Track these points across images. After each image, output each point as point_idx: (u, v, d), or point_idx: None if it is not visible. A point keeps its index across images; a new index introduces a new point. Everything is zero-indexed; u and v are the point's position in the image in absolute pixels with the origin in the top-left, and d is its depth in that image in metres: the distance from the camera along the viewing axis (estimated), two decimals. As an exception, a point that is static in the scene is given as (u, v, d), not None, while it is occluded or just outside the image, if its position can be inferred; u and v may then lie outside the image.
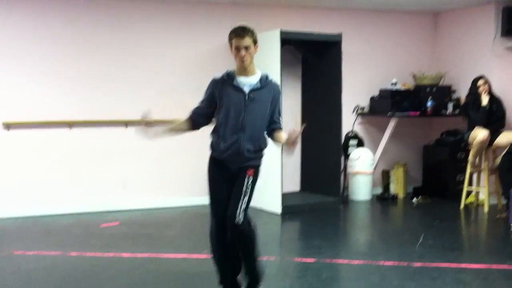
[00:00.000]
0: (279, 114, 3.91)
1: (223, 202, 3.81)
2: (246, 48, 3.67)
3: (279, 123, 3.90)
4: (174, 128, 3.99)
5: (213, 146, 3.87)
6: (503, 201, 6.74)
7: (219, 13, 7.35)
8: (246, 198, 3.77)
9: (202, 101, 3.87)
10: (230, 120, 3.73)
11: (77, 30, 6.85)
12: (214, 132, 3.85)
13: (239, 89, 3.72)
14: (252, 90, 3.73)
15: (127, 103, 7.04)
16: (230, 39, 3.71)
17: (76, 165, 6.90)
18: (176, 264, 4.88)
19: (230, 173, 3.82)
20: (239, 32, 3.67)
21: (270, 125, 3.86)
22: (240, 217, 3.72)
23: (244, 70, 3.74)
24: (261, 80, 3.77)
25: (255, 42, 3.71)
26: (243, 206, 3.75)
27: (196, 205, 7.13)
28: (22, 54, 6.67)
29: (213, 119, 3.87)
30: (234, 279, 3.98)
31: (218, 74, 3.84)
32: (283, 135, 3.85)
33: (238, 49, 3.67)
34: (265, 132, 3.87)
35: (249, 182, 3.79)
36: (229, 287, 3.96)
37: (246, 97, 3.72)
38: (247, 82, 3.74)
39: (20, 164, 6.71)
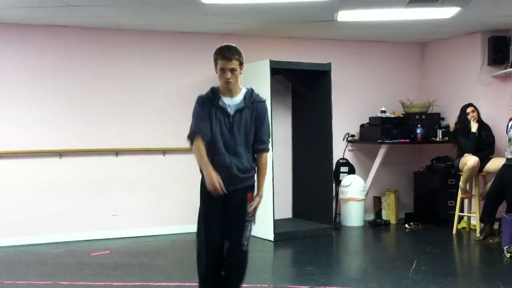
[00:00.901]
0: (267, 133, 3.80)
1: (217, 235, 3.74)
2: (232, 70, 3.65)
3: (264, 143, 3.79)
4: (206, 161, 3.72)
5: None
6: (481, 225, 6.81)
7: (208, 43, 7.39)
8: (250, 226, 3.77)
9: (201, 118, 3.70)
10: (218, 141, 3.68)
11: (66, 61, 6.88)
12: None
13: (224, 110, 3.70)
14: (236, 111, 3.70)
15: (117, 132, 7.06)
16: (216, 58, 3.68)
17: (66, 194, 6.86)
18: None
19: (223, 198, 3.73)
20: (226, 54, 3.65)
21: (254, 145, 3.77)
22: (245, 244, 3.74)
23: (228, 90, 3.72)
24: (245, 98, 3.74)
25: (241, 64, 3.70)
26: (248, 234, 3.75)
27: (187, 233, 7.09)
28: (12, 85, 6.68)
29: None
30: None
31: (202, 92, 3.79)
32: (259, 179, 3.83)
33: (223, 70, 3.64)
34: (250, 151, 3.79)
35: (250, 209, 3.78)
36: None
37: (231, 118, 3.69)
38: (232, 103, 3.71)
39: (10, 194, 6.67)
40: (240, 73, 3.72)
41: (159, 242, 6.84)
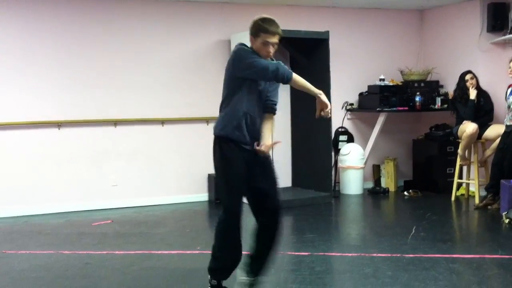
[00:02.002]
0: (277, 97, 3.87)
1: (242, 194, 3.74)
2: (274, 45, 3.63)
3: (276, 105, 3.85)
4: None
5: (227, 124, 3.65)
6: (482, 193, 6.83)
7: (206, 12, 7.37)
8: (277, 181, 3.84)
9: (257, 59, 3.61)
10: (250, 95, 3.65)
11: (64, 30, 6.83)
12: (230, 110, 3.66)
13: None
14: None
15: (116, 103, 7.05)
16: (259, 30, 3.60)
17: (66, 165, 6.87)
18: (170, 261, 4.87)
19: (246, 157, 3.69)
20: (273, 29, 3.59)
21: (266, 104, 3.79)
22: (279, 200, 3.82)
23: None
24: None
25: (280, 40, 3.69)
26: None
27: (186, 203, 7.16)
28: (10, 55, 6.64)
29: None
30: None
31: (246, 46, 3.71)
32: (266, 131, 3.78)
33: (266, 44, 3.60)
34: None
35: (273, 165, 3.86)
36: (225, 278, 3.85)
37: (261, 84, 3.71)
38: None
39: (10, 165, 6.68)
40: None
41: (159, 212, 6.87)
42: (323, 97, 3.69)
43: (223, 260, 3.81)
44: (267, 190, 3.78)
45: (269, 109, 3.82)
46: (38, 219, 6.55)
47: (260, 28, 3.61)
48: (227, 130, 3.65)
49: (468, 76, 7.04)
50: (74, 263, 4.83)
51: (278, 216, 3.81)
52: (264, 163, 3.79)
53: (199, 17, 7.35)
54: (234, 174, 3.67)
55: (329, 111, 3.69)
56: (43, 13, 6.74)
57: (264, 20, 3.65)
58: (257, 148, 3.70)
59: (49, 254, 5.09)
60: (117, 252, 5.13)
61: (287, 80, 3.63)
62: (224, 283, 3.87)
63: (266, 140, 3.75)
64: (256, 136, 3.74)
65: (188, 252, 5.03)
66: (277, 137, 7.16)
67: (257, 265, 3.84)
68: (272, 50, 3.64)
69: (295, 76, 3.66)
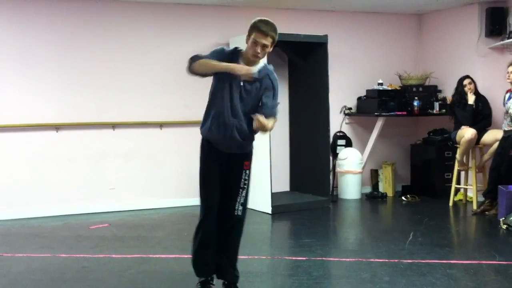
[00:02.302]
0: (272, 106, 3.76)
1: (215, 188, 3.80)
2: (264, 46, 3.61)
3: (271, 113, 3.74)
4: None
5: (204, 126, 3.78)
6: (480, 199, 6.85)
7: (205, 15, 7.37)
8: (244, 193, 3.84)
9: (213, 57, 3.66)
10: (224, 101, 3.67)
11: (62, 32, 6.82)
12: (207, 111, 3.78)
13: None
14: (250, 83, 3.68)
15: (114, 105, 7.04)
16: (252, 30, 3.62)
17: (64, 167, 6.86)
18: (167, 264, 4.86)
19: (221, 158, 3.79)
20: (263, 29, 3.59)
21: (261, 112, 3.71)
22: (239, 209, 3.82)
23: (250, 61, 3.68)
24: (260, 71, 3.68)
25: (274, 42, 3.66)
26: (242, 200, 3.83)
27: (184, 206, 7.13)
28: (8, 57, 6.63)
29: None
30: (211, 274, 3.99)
31: (227, 47, 3.79)
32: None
33: (256, 43, 3.60)
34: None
35: (247, 176, 3.85)
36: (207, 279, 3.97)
37: (242, 83, 3.67)
38: None
39: (8, 167, 6.67)
40: (269, 51, 3.71)
41: (157, 215, 6.86)
42: (237, 70, 3.57)
43: (195, 255, 3.92)
44: (224, 192, 3.83)
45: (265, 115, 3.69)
46: (36, 221, 6.53)
47: (254, 26, 3.63)
48: (202, 131, 3.79)
49: (466, 81, 7.06)
50: (71, 266, 4.82)
51: (231, 221, 3.85)
52: (237, 170, 3.82)
53: (198, 20, 7.36)
54: (207, 168, 3.80)
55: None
56: (41, 15, 6.73)
57: (261, 20, 3.65)
58: (254, 117, 3.60)
59: (46, 257, 5.08)
60: (114, 255, 5.11)
61: (187, 69, 3.67)
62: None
63: (264, 120, 3.59)
64: (233, 136, 3.70)
65: (186, 256, 5.00)
66: (275, 142, 7.25)
67: (227, 270, 3.95)
68: (260, 51, 3.60)
69: (197, 62, 3.60)
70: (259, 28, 3.59)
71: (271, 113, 3.74)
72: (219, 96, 3.69)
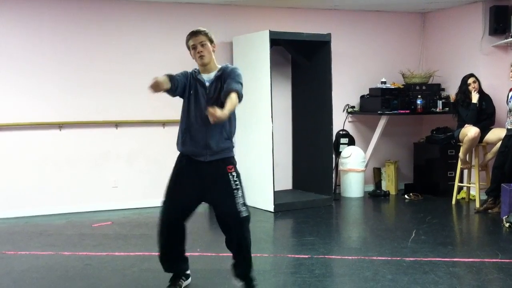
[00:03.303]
0: (233, 82, 3.73)
1: (175, 206, 3.95)
2: (202, 44, 3.82)
3: (228, 86, 3.71)
4: (163, 80, 3.69)
5: (179, 141, 3.90)
6: (483, 197, 6.84)
7: (208, 14, 7.37)
8: (240, 192, 3.83)
9: (178, 75, 3.87)
10: (195, 113, 3.79)
11: (66, 31, 6.84)
12: (180, 127, 3.90)
13: (201, 82, 3.84)
14: (212, 83, 3.83)
15: (117, 104, 7.06)
16: (187, 42, 3.90)
17: (67, 166, 6.88)
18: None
19: (201, 171, 3.83)
20: (193, 32, 3.89)
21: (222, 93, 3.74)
22: (243, 210, 3.81)
23: (205, 67, 3.87)
24: (218, 71, 3.87)
25: (211, 41, 3.89)
26: (241, 200, 3.82)
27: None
28: (11, 56, 6.65)
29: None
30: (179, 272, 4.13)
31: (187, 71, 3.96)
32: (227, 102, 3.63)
33: (194, 47, 3.83)
34: (229, 123, 3.84)
35: (235, 178, 3.84)
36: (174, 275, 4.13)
37: (207, 90, 3.81)
38: (208, 78, 3.86)
39: (11, 165, 6.69)
40: (213, 51, 3.89)
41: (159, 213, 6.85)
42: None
43: (159, 254, 4.10)
44: (219, 202, 3.88)
45: (225, 94, 3.70)
46: (39, 220, 6.56)
47: (186, 39, 3.95)
48: (178, 147, 3.92)
49: (470, 80, 7.04)
50: (74, 264, 4.84)
51: (240, 224, 3.84)
52: (222, 176, 3.83)
53: (201, 19, 7.35)
54: (170, 183, 3.98)
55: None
56: (45, 15, 6.75)
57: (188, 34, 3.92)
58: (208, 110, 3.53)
59: (49, 255, 5.10)
60: (117, 253, 5.13)
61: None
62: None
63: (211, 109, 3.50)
64: (207, 144, 3.79)
65: (188, 254, 4.99)
66: (278, 140, 7.26)
67: (237, 270, 3.97)
68: (200, 49, 3.82)
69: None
70: (188, 35, 3.91)
71: (226, 90, 3.71)
72: (186, 109, 3.85)
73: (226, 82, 3.77)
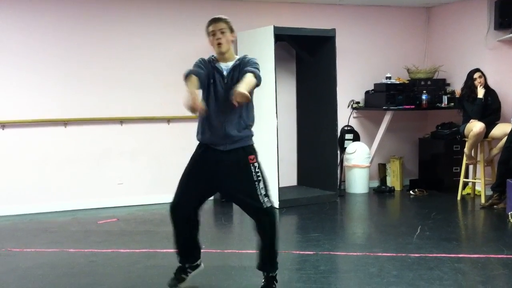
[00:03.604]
0: (252, 68, 3.69)
1: (189, 192, 3.89)
2: (222, 32, 3.77)
3: (246, 70, 3.67)
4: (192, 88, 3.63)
5: (199, 132, 3.89)
6: (488, 192, 6.81)
7: (210, 10, 7.33)
8: (262, 184, 3.78)
9: (197, 66, 3.79)
10: (210, 101, 3.76)
11: (70, 28, 6.85)
12: (199, 118, 3.87)
13: (219, 70, 3.79)
14: (229, 71, 3.79)
15: (122, 101, 7.06)
16: (207, 27, 3.82)
17: (72, 163, 6.90)
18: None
19: (219, 159, 3.79)
20: (214, 18, 3.82)
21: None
22: (265, 201, 3.77)
23: (222, 56, 3.82)
24: (236, 60, 3.82)
25: (231, 29, 3.82)
26: (263, 192, 3.77)
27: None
28: (15, 53, 6.66)
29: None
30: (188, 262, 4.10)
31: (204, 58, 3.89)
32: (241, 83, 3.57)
33: (214, 34, 3.77)
34: (247, 110, 3.81)
35: (257, 169, 3.80)
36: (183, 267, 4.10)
37: (225, 80, 3.77)
38: (226, 67, 3.81)
39: (16, 163, 6.71)
40: (232, 40, 3.84)
41: (164, 210, 6.75)
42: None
43: (175, 243, 4.08)
44: (239, 191, 3.83)
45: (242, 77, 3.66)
46: (44, 217, 6.58)
47: (207, 25, 3.83)
48: (198, 136, 3.91)
49: (476, 75, 7.00)
50: (79, 261, 4.85)
51: (262, 216, 3.80)
52: (243, 166, 3.78)
53: (204, 15, 7.28)
54: (186, 170, 3.93)
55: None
56: (49, 11, 6.76)
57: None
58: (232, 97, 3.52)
59: (54, 252, 5.12)
60: (122, 250, 5.15)
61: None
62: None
63: (238, 87, 3.48)
64: (227, 132, 3.76)
65: (193, 250, 5.02)
66: (283, 136, 7.25)
67: (260, 260, 3.93)
68: (219, 36, 3.76)
69: (188, 81, 3.68)
70: (209, 21, 3.82)
71: (249, 70, 3.67)
72: (206, 98, 3.80)
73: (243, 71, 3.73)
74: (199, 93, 3.71)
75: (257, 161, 3.83)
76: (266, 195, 3.79)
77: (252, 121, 3.87)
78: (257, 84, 3.67)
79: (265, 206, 3.77)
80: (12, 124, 6.65)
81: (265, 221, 3.81)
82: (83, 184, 6.95)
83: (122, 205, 7.06)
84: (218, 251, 5.04)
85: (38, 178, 6.78)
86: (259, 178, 3.78)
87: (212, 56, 3.89)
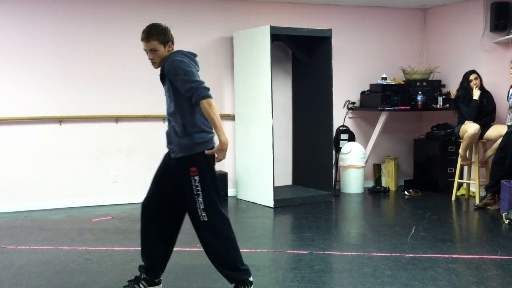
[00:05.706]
0: (185, 84, 3.50)
1: (153, 191, 3.87)
2: (154, 50, 3.59)
3: (189, 93, 3.49)
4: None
5: None
6: (483, 193, 6.85)
7: (208, 9, 7.36)
8: (201, 198, 3.62)
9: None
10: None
11: (65, 26, 6.82)
12: None
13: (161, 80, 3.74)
14: (163, 80, 3.71)
15: (117, 99, 7.05)
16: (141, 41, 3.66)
17: (67, 160, 6.88)
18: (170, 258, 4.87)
19: (172, 166, 3.75)
20: (143, 36, 3.61)
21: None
22: (204, 215, 3.64)
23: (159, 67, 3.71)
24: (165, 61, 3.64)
25: (164, 42, 3.60)
26: (202, 206, 3.62)
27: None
28: (11, 50, 6.64)
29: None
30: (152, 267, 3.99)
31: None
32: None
33: (146, 52, 3.65)
34: (188, 117, 3.61)
35: (197, 183, 3.61)
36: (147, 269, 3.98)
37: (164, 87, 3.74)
38: None
39: (11, 160, 6.69)
40: (169, 51, 3.64)
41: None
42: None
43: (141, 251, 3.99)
44: (183, 199, 3.74)
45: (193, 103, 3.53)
46: (39, 214, 6.56)
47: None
48: None
49: (472, 76, 7.03)
50: (74, 258, 4.84)
51: (201, 229, 3.70)
52: (184, 177, 3.63)
53: (201, 14, 7.35)
54: (156, 172, 3.90)
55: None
56: (45, 9, 6.74)
57: (144, 29, 3.71)
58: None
59: (49, 250, 5.11)
60: (116, 248, 5.14)
61: (203, 98, 3.53)
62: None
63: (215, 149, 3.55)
64: (171, 140, 3.72)
65: (187, 249, 5.03)
66: (278, 135, 7.26)
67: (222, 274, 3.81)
68: (151, 56, 3.63)
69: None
70: (141, 36, 3.62)
71: (195, 98, 3.47)
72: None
73: (177, 86, 3.56)
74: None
75: (199, 173, 3.59)
76: (205, 209, 3.61)
77: (196, 126, 3.59)
78: (207, 96, 3.46)
79: (201, 220, 3.64)
80: (5, 121, 6.63)
81: (203, 234, 3.69)
82: (78, 182, 6.94)
83: (117, 203, 7.05)
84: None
85: (33, 176, 6.76)
86: (198, 192, 3.59)
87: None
